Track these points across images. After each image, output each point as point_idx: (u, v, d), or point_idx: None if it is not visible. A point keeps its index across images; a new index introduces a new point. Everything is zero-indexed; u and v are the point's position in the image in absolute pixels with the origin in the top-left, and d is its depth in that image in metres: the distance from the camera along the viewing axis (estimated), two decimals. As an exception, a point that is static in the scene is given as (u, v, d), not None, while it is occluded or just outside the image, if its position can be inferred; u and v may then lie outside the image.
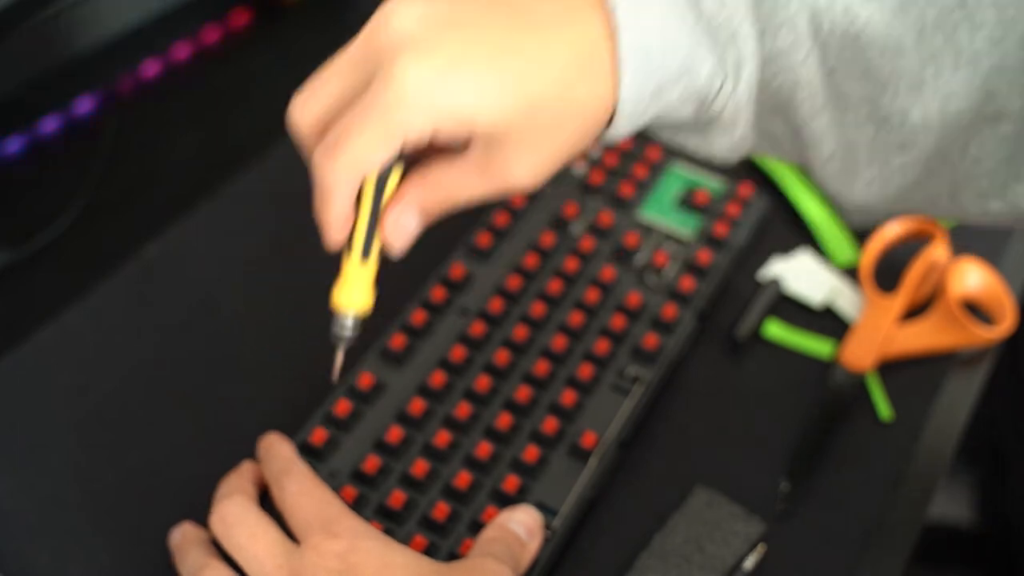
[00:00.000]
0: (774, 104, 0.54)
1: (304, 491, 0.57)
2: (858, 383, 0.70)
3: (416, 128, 0.47)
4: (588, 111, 0.50)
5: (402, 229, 0.53)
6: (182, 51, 0.89)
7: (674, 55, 0.50)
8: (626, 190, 0.77)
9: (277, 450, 0.60)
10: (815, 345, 0.72)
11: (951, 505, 1.34)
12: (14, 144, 0.81)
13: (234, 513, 0.56)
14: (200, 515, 0.60)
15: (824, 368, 0.70)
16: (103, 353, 0.68)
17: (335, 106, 0.50)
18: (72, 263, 0.74)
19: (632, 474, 0.64)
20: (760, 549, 0.61)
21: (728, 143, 0.55)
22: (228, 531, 0.56)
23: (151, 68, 0.88)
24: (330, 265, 0.74)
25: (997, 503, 1.08)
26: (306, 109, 0.52)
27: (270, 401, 0.65)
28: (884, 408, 0.69)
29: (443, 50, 0.47)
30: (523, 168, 0.50)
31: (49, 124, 0.82)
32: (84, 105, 0.83)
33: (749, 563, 0.60)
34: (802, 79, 0.52)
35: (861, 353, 0.70)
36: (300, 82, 0.88)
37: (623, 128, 0.52)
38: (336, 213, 0.50)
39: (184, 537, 0.58)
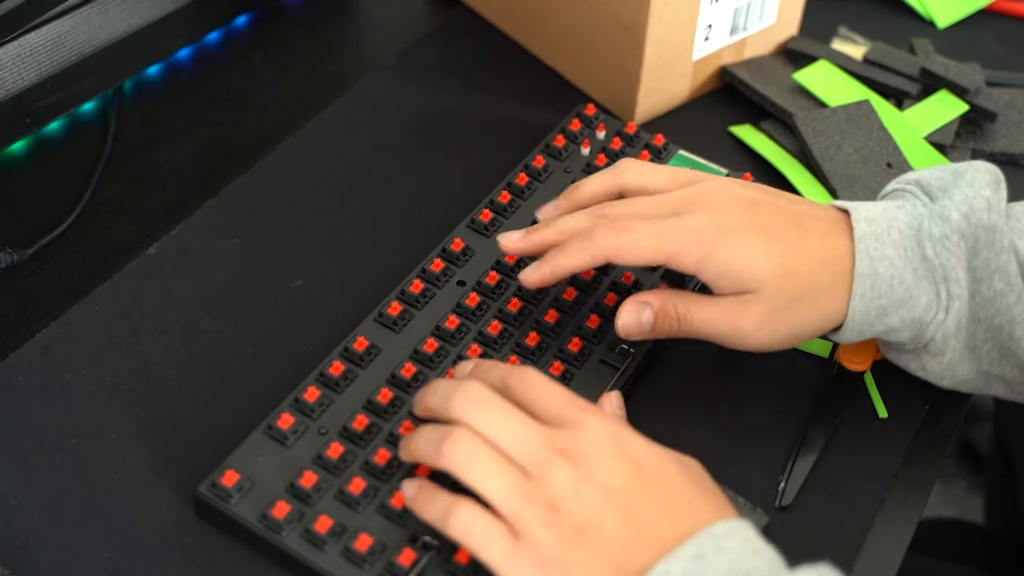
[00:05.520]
0: (999, 345, 0.64)
1: (549, 383, 0.58)
2: (856, 381, 0.70)
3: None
4: (824, 302, 0.63)
5: (635, 312, 0.65)
6: (182, 51, 0.89)
7: (900, 285, 0.63)
8: None
9: (489, 364, 0.61)
10: (813, 343, 0.72)
11: (965, 504, 1.34)
12: (18, 145, 0.81)
13: (480, 392, 0.57)
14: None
15: (822, 366, 0.71)
16: (105, 351, 0.68)
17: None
18: (74, 262, 0.74)
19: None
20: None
21: (939, 368, 0.65)
22: (478, 407, 0.56)
23: (151, 68, 0.88)
24: (327, 265, 0.75)
25: (1009, 502, 1.08)
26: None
27: (270, 400, 0.65)
28: (881, 406, 0.69)
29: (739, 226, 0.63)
30: (753, 319, 0.62)
31: (52, 125, 0.82)
32: (86, 106, 0.83)
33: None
34: (1017, 317, 0.63)
35: (859, 352, 0.70)
36: (300, 82, 0.89)
37: (848, 335, 0.64)
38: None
39: (421, 486, 0.58)
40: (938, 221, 0.63)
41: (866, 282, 0.62)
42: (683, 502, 0.55)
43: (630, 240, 0.63)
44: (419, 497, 0.57)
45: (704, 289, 0.66)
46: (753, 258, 0.62)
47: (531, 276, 0.66)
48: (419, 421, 0.63)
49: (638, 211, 0.64)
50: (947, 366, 0.65)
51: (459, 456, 0.55)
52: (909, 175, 0.67)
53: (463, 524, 0.55)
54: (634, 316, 0.64)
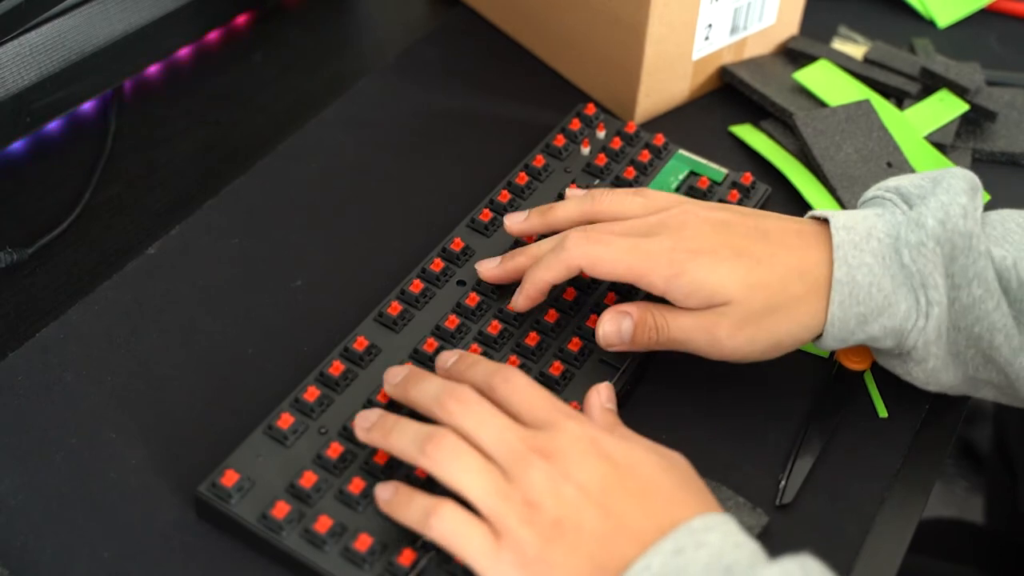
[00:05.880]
0: (981, 352, 0.64)
1: (531, 384, 0.59)
2: (856, 381, 0.70)
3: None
4: (799, 310, 0.63)
5: (615, 322, 0.65)
6: (182, 51, 0.89)
7: (879, 292, 0.63)
8: (629, 173, 0.78)
9: (472, 359, 0.62)
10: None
11: (965, 504, 1.34)
12: (18, 145, 0.81)
13: (470, 396, 0.58)
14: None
15: (822, 366, 0.71)
16: (105, 351, 0.68)
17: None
18: (74, 262, 0.74)
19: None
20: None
21: (923, 374, 0.65)
22: (467, 410, 0.57)
23: (151, 68, 0.88)
24: (327, 265, 0.75)
25: (1010, 503, 1.08)
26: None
27: (270, 400, 0.65)
28: (881, 406, 0.69)
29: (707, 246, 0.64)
30: (727, 328, 0.63)
31: (52, 125, 0.82)
32: (86, 106, 0.83)
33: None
34: (997, 323, 0.63)
35: (859, 352, 0.70)
36: (300, 82, 0.89)
37: (829, 342, 0.64)
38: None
39: (398, 490, 0.58)
40: (914, 228, 0.63)
41: (844, 289, 0.63)
42: (662, 497, 0.55)
43: (603, 252, 0.64)
44: (396, 501, 0.58)
45: None
46: (719, 275, 0.62)
47: (518, 301, 0.68)
48: (420, 420, 0.63)
49: (611, 228, 0.65)
50: (931, 373, 0.65)
51: (441, 457, 0.56)
52: (889, 182, 0.68)
53: (445, 526, 0.55)
54: (614, 326, 0.65)
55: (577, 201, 0.69)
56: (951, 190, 0.64)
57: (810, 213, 0.67)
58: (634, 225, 0.65)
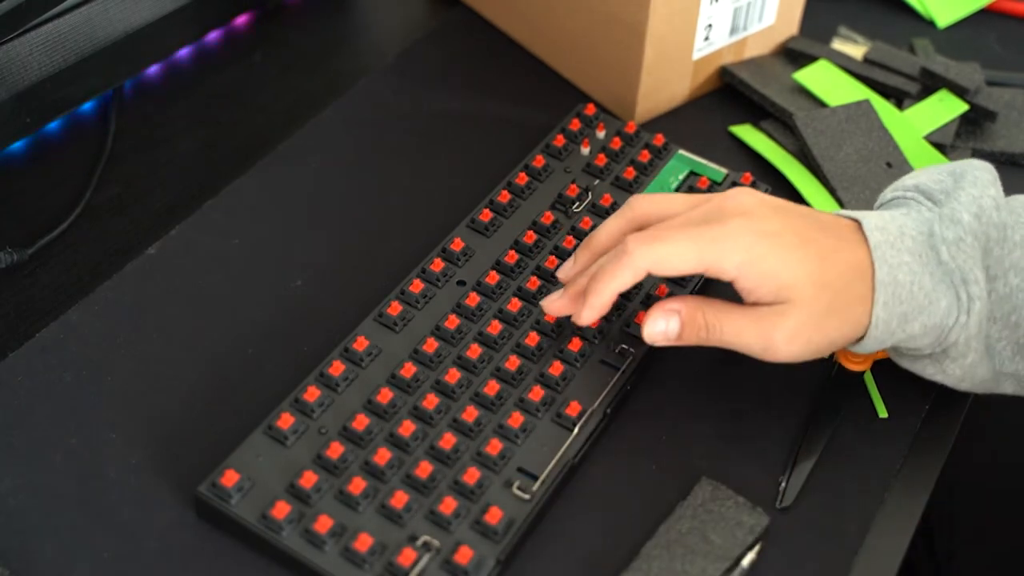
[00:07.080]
0: (1014, 342, 0.64)
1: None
2: (856, 381, 0.70)
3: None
4: (854, 312, 0.62)
5: (661, 320, 0.63)
6: (182, 51, 0.89)
7: (919, 290, 0.62)
8: (629, 173, 0.78)
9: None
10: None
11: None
12: (18, 145, 0.81)
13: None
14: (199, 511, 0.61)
15: (823, 366, 0.71)
16: (105, 351, 0.68)
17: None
18: (74, 262, 0.75)
19: (628, 470, 0.65)
20: (756, 548, 0.61)
21: (959, 371, 0.65)
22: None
23: (151, 68, 0.88)
24: (327, 265, 0.75)
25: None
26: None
27: (270, 400, 0.65)
28: (881, 406, 0.69)
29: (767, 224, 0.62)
30: (787, 331, 0.61)
31: (52, 125, 0.82)
32: (86, 106, 0.83)
33: (747, 561, 0.60)
34: None
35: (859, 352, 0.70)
36: (300, 82, 0.89)
37: (870, 345, 0.63)
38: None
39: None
40: (949, 224, 0.63)
41: (888, 290, 0.61)
42: None
43: (668, 250, 0.61)
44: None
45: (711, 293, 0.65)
46: (791, 267, 0.60)
47: (584, 315, 0.64)
48: (419, 421, 0.63)
49: (668, 224, 0.63)
50: (968, 368, 0.64)
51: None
52: (906, 181, 0.67)
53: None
54: (660, 324, 0.63)
55: (615, 217, 0.66)
56: (979, 183, 0.64)
57: (836, 213, 0.66)
58: (690, 217, 0.63)
